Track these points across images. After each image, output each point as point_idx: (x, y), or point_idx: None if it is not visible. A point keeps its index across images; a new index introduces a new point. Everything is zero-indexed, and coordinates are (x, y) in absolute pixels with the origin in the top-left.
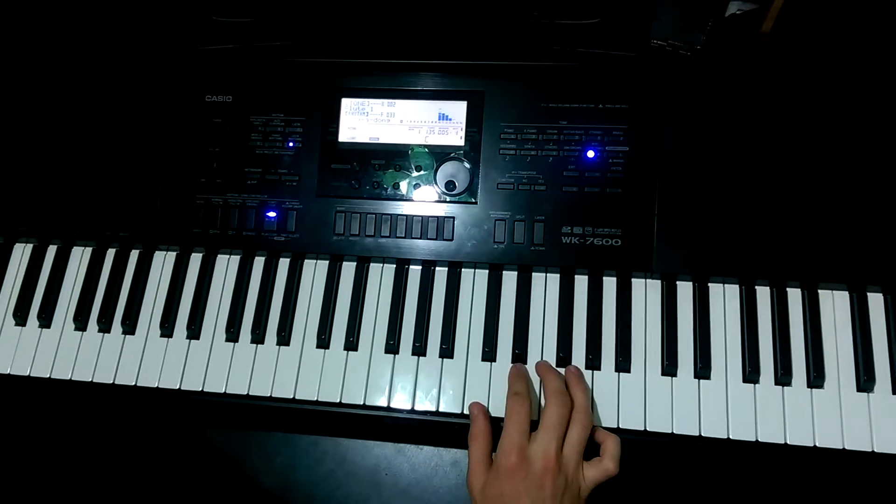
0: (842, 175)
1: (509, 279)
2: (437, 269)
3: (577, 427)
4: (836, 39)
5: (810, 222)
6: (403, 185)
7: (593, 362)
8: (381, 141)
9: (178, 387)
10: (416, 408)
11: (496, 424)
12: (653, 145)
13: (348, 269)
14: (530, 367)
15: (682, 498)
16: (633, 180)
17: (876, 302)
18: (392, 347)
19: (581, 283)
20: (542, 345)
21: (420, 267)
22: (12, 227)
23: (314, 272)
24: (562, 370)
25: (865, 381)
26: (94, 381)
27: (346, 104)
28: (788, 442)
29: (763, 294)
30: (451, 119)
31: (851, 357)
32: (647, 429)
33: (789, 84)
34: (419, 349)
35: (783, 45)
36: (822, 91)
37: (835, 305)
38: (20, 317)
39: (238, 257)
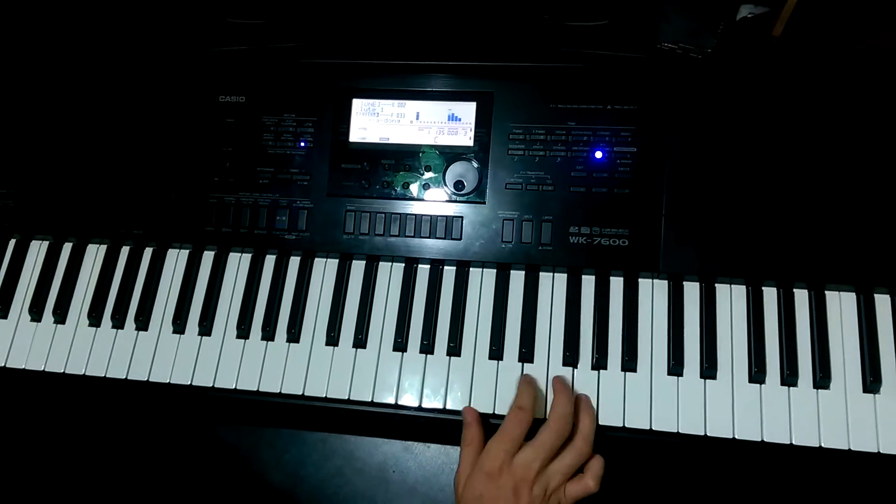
0: (849, 177)
1: (517, 278)
2: (446, 268)
3: (574, 454)
4: (848, 43)
5: (817, 224)
6: (413, 185)
7: (600, 362)
8: (392, 141)
9: (189, 382)
10: (424, 405)
11: (494, 424)
12: (660, 146)
13: (358, 268)
14: (537, 366)
15: (688, 497)
16: (640, 181)
17: (883, 303)
18: (400, 345)
19: (588, 282)
20: (549, 344)
21: (428, 266)
22: (29, 224)
23: (324, 270)
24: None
25: (872, 382)
26: (108, 376)
27: (357, 105)
28: (794, 442)
29: (770, 295)
30: (460, 120)
31: (858, 358)
32: (653, 428)
33: (799, 87)
34: (427, 347)
35: (794, 48)
36: (833, 94)
37: (842, 307)
38: (36, 313)
39: (249, 255)
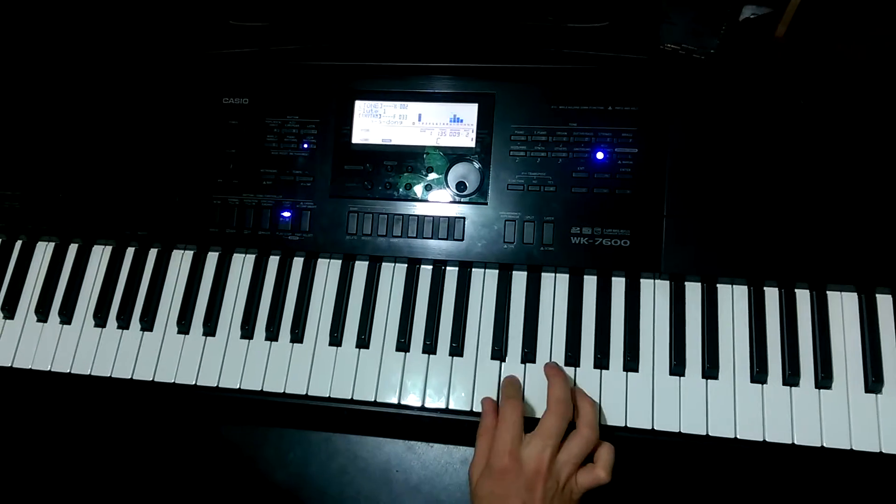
0: (851, 177)
1: (519, 279)
2: (448, 268)
3: (581, 441)
4: (851, 44)
5: (819, 224)
6: (415, 187)
7: (602, 361)
8: (394, 143)
9: (193, 382)
10: (427, 405)
11: None
12: (662, 147)
13: (361, 269)
14: (540, 366)
15: (689, 497)
16: (642, 181)
17: (885, 303)
18: (403, 346)
19: (590, 283)
20: (551, 344)
21: (431, 267)
22: (35, 226)
23: (327, 271)
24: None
25: (873, 381)
26: (113, 376)
27: (360, 106)
28: (796, 442)
29: (771, 295)
30: (462, 121)
31: (860, 358)
32: (655, 428)
33: (801, 88)
34: (430, 347)
35: (797, 49)
36: (835, 95)
37: (843, 306)
38: (42, 313)
39: (253, 256)
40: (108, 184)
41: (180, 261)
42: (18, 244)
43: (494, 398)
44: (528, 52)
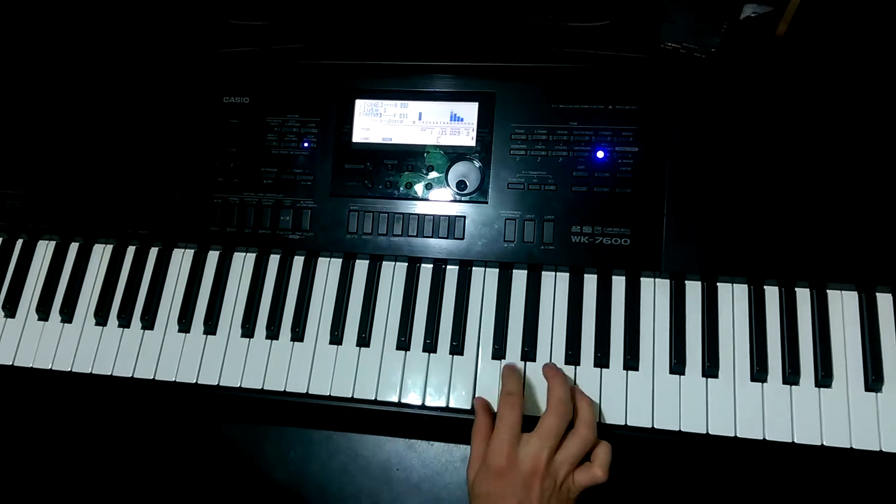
0: (851, 176)
1: (519, 278)
2: (448, 267)
3: (579, 440)
4: (852, 43)
5: (819, 223)
6: (416, 185)
7: (602, 360)
8: (394, 141)
9: (194, 381)
10: (427, 404)
11: None
12: (662, 146)
13: (361, 267)
14: (540, 364)
15: (689, 496)
16: (642, 180)
17: (885, 302)
18: (403, 344)
19: (590, 282)
20: (552, 343)
21: (431, 265)
22: (36, 224)
23: (328, 270)
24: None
25: (874, 380)
26: (114, 374)
27: (360, 105)
28: (796, 441)
29: (772, 294)
30: (462, 120)
31: (860, 356)
32: (655, 426)
33: (802, 86)
34: (430, 346)
35: (798, 47)
36: (836, 94)
37: (843, 305)
38: (43, 312)
39: (254, 255)
40: (108, 183)
41: (181, 259)
42: (19, 243)
43: (494, 397)
44: (528, 51)
